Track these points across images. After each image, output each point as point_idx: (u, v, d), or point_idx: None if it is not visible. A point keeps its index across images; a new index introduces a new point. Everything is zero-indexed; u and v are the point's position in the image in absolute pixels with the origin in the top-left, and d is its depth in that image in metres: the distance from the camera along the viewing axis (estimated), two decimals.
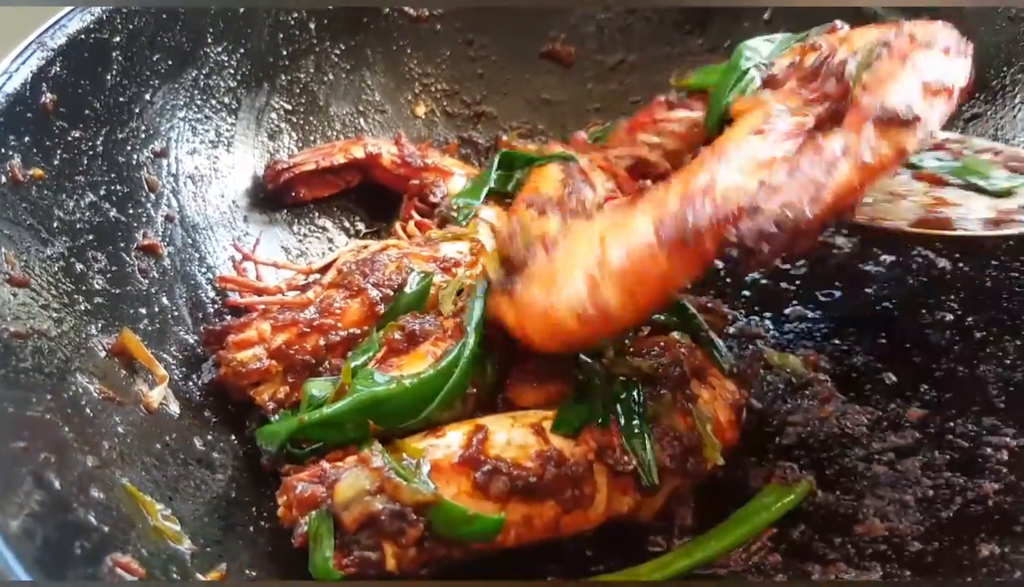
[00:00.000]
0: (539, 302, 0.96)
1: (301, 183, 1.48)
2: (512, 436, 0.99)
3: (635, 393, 1.05)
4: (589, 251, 0.93)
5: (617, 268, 0.90)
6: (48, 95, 1.13)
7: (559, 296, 0.93)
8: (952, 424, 1.12)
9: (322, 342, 1.14)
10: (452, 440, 0.99)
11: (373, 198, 1.55)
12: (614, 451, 1.00)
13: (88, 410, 0.93)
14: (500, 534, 0.95)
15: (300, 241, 1.48)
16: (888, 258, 1.37)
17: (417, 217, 1.44)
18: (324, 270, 1.24)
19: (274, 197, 1.47)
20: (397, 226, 1.42)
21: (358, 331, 1.16)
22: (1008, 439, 1.06)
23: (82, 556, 0.73)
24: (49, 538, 0.71)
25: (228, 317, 1.23)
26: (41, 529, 0.72)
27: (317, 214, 1.51)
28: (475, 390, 1.06)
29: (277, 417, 1.10)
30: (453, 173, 1.52)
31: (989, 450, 1.06)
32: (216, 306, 1.26)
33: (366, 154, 1.52)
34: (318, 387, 1.07)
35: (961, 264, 1.30)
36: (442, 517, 0.92)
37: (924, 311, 1.28)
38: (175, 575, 0.82)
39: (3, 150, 1.05)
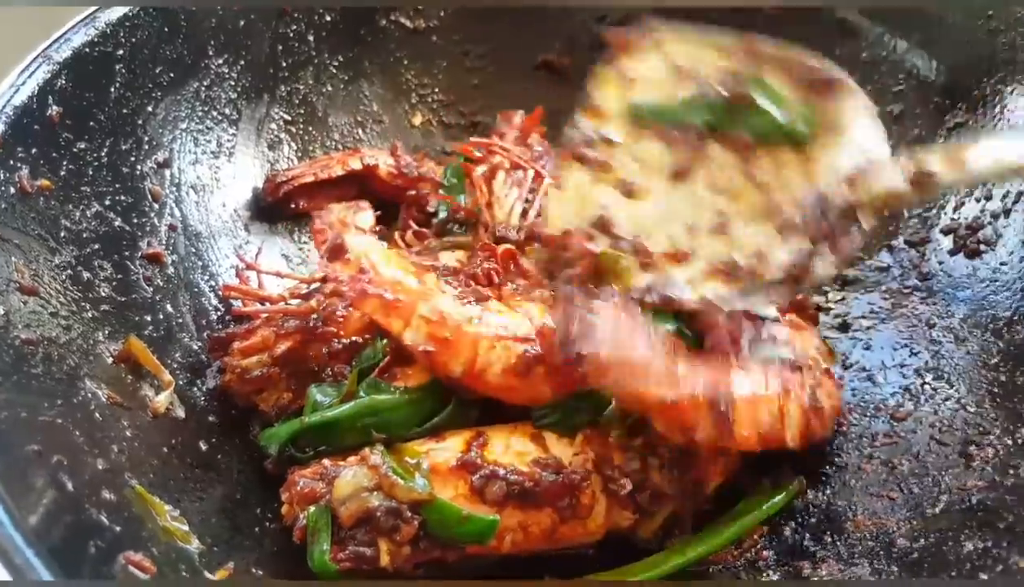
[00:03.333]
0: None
1: (300, 195, 1.50)
2: (510, 442, 1.02)
3: None
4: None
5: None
6: (54, 107, 1.15)
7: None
8: (939, 424, 1.15)
9: (324, 350, 1.17)
10: (451, 445, 1.02)
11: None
12: (612, 464, 1.02)
13: (97, 415, 0.95)
14: (495, 538, 0.97)
15: (301, 249, 1.50)
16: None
17: (415, 227, 1.46)
18: (325, 279, 1.26)
19: (274, 209, 1.49)
20: (396, 236, 1.44)
21: (360, 340, 1.18)
22: (992, 438, 1.09)
23: (96, 554, 0.76)
24: (65, 537, 0.74)
25: (231, 324, 1.25)
26: (57, 529, 0.74)
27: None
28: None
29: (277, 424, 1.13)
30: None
31: (974, 448, 1.09)
32: (219, 313, 1.28)
33: (363, 166, 1.54)
34: (322, 392, 1.09)
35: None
36: (437, 516, 0.95)
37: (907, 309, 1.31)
38: (184, 573, 0.84)
39: (12, 162, 1.07)
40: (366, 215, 1.31)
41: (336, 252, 1.10)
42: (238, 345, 1.15)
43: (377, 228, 1.34)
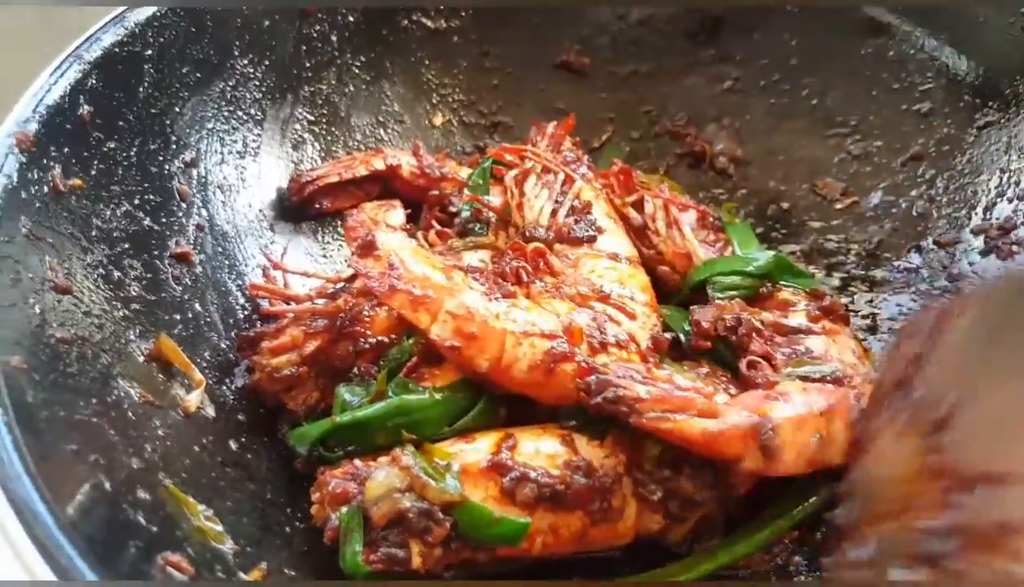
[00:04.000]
0: None
1: (324, 195, 1.50)
2: (540, 445, 1.02)
3: None
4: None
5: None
6: (85, 107, 1.16)
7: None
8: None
9: (352, 349, 1.17)
10: (481, 446, 1.01)
11: None
12: (642, 469, 1.02)
13: (130, 414, 0.96)
14: (526, 540, 0.97)
15: (325, 249, 1.50)
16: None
17: (437, 227, 1.46)
18: (352, 279, 1.27)
19: (299, 209, 1.50)
20: (419, 235, 1.44)
21: (386, 339, 1.18)
22: None
23: (136, 555, 0.76)
24: (107, 537, 0.74)
25: (259, 324, 1.25)
26: (99, 530, 0.74)
27: (340, 222, 1.54)
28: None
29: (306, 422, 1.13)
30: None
31: None
32: (246, 313, 1.28)
33: (386, 166, 1.54)
34: (351, 391, 1.09)
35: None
36: (468, 518, 0.94)
37: None
38: (220, 574, 0.84)
39: (45, 161, 1.08)
40: (397, 213, 1.31)
41: (366, 249, 1.10)
42: (267, 344, 1.15)
43: (408, 226, 1.34)
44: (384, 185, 1.56)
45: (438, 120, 1.73)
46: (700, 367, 1.15)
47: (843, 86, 1.59)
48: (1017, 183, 1.33)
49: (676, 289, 1.32)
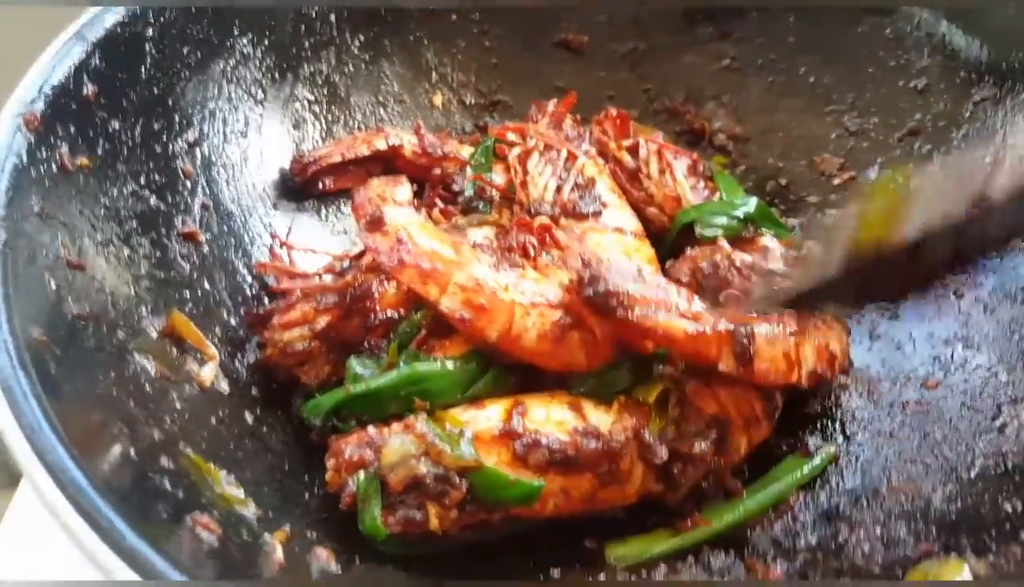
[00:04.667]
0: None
1: (326, 174, 1.51)
2: (550, 411, 1.04)
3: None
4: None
5: None
6: (90, 86, 1.16)
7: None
8: (970, 392, 1.17)
9: (362, 324, 1.18)
10: (492, 413, 1.03)
11: None
12: (647, 432, 1.04)
13: (148, 387, 0.97)
14: (538, 502, 0.99)
15: (328, 227, 1.51)
16: None
17: (441, 205, 1.47)
18: (360, 256, 1.28)
19: (302, 189, 1.50)
20: (423, 214, 1.45)
21: (396, 314, 1.19)
22: None
23: (167, 518, 0.77)
24: (140, 502, 0.76)
25: (266, 301, 1.26)
26: (131, 493, 0.76)
27: (344, 201, 1.54)
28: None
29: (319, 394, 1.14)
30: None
31: (1007, 415, 1.10)
32: (254, 291, 1.29)
33: (388, 145, 1.55)
34: (362, 364, 1.11)
35: None
36: (484, 481, 0.97)
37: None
38: (246, 537, 0.86)
39: (52, 139, 1.08)
40: (404, 189, 1.32)
41: (375, 224, 1.11)
42: (278, 320, 1.17)
43: (414, 202, 1.35)
44: (386, 165, 1.57)
45: (438, 100, 1.73)
46: None
47: (840, 64, 1.60)
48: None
49: (664, 231, 1.37)
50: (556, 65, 1.76)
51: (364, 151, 1.54)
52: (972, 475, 1.06)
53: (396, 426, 1.00)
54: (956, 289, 1.31)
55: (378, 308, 1.19)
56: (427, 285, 1.09)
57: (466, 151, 1.59)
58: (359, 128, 1.63)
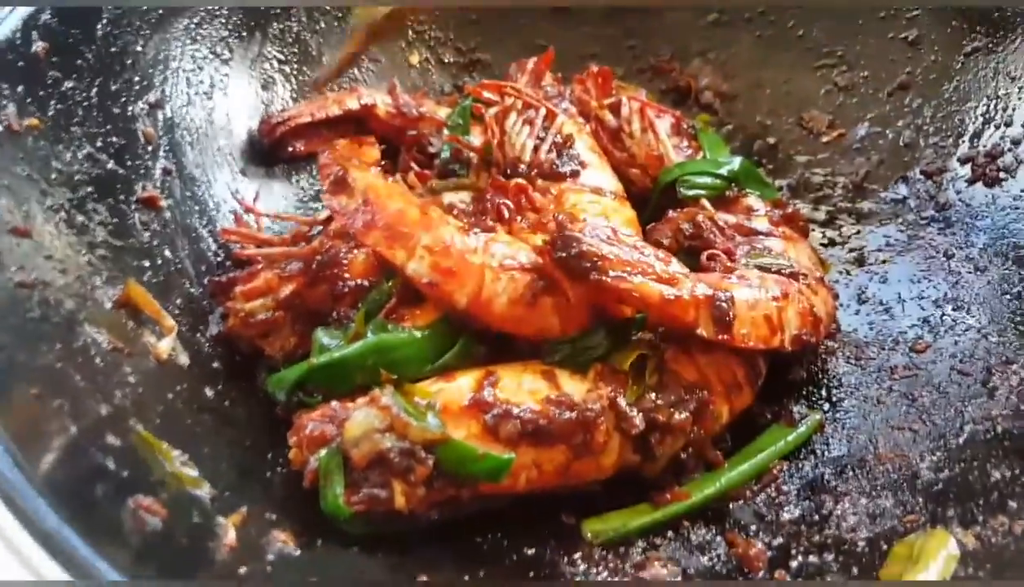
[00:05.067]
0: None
1: (296, 137, 1.45)
2: (522, 381, 0.99)
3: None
4: None
5: None
6: (40, 43, 1.10)
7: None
8: (960, 354, 1.13)
9: (329, 293, 1.13)
10: (462, 384, 0.99)
11: None
12: (624, 402, 0.99)
13: (98, 360, 0.92)
14: (510, 476, 0.95)
15: (299, 192, 1.46)
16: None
17: (416, 168, 1.42)
18: (328, 221, 1.23)
19: (271, 152, 1.44)
20: (397, 177, 1.40)
21: (365, 282, 1.14)
22: (1016, 366, 1.07)
23: (103, 498, 0.73)
24: (71, 481, 0.71)
25: (232, 269, 1.21)
26: (61, 474, 0.71)
27: (315, 166, 1.49)
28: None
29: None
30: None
31: (997, 378, 1.07)
32: (219, 259, 1.24)
33: (361, 105, 1.48)
34: (329, 335, 1.06)
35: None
36: (451, 455, 0.92)
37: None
38: (196, 519, 0.82)
39: None
40: (371, 150, 1.27)
41: (339, 186, 1.07)
42: (241, 289, 1.12)
43: (382, 163, 1.30)
44: (359, 126, 1.51)
45: (415, 59, 1.67)
46: None
47: (829, 15, 1.54)
48: (1004, 109, 1.30)
49: (646, 192, 1.33)
50: (538, 22, 1.70)
51: (335, 111, 1.47)
52: (961, 441, 1.02)
53: (361, 400, 0.95)
54: (946, 249, 1.27)
55: (346, 276, 1.14)
56: (393, 249, 1.05)
57: (443, 112, 1.53)
58: (332, 90, 1.57)
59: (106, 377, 0.91)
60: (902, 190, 1.38)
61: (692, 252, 1.16)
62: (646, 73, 1.67)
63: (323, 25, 1.57)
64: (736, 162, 1.30)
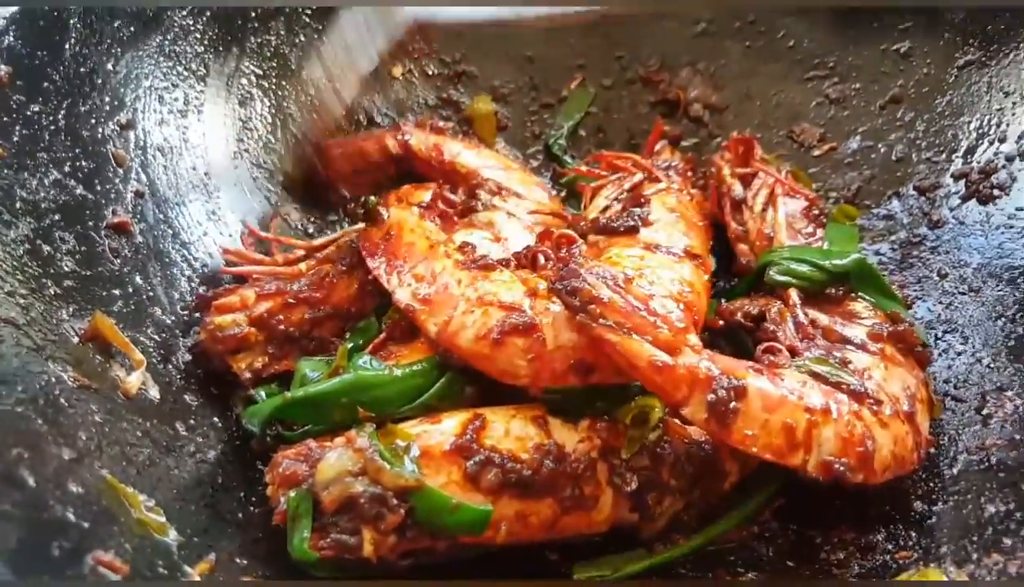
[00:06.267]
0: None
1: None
2: (511, 427, 0.95)
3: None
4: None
5: None
6: (3, 67, 1.07)
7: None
8: (953, 380, 1.10)
9: (308, 315, 1.13)
10: (446, 427, 0.95)
11: None
12: (619, 457, 0.94)
13: (63, 399, 0.89)
14: (489, 528, 0.90)
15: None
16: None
17: (442, 207, 1.33)
18: (323, 247, 1.21)
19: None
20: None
21: (350, 310, 1.15)
22: (1011, 393, 1.04)
23: (61, 556, 0.70)
24: (25, 540, 0.68)
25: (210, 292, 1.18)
26: (15, 531, 0.68)
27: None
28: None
29: (255, 391, 1.09)
30: (484, 180, 1.36)
31: (991, 405, 1.04)
32: (193, 285, 1.20)
33: (401, 148, 1.42)
34: (312, 366, 1.05)
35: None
36: (426, 504, 0.88)
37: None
38: (161, 569, 0.79)
39: None
40: (424, 193, 1.27)
41: (372, 219, 1.16)
42: (215, 302, 1.11)
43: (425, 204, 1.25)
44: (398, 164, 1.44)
45: (397, 71, 1.63)
46: None
47: (821, 26, 1.51)
48: (998, 124, 1.27)
49: (749, 271, 1.23)
50: (524, 32, 1.66)
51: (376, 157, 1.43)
52: (955, 472, 1.00)
53: (338, 440, 0.92)
54: (939, 269, 1.24)
55: (328, 299, 1.13)
56: (391, 275, 1.08)
57: (467, 156, 1.42)
58: (312, 104, 1.53)
59: (69, 419, 0.87)
60: (895, 206, 1.35)
61: (757, 342, 1.06)
62: (634, 84, 1.63)
63: (302, 38, 1.53)
64: (849, 259, 1.14)
